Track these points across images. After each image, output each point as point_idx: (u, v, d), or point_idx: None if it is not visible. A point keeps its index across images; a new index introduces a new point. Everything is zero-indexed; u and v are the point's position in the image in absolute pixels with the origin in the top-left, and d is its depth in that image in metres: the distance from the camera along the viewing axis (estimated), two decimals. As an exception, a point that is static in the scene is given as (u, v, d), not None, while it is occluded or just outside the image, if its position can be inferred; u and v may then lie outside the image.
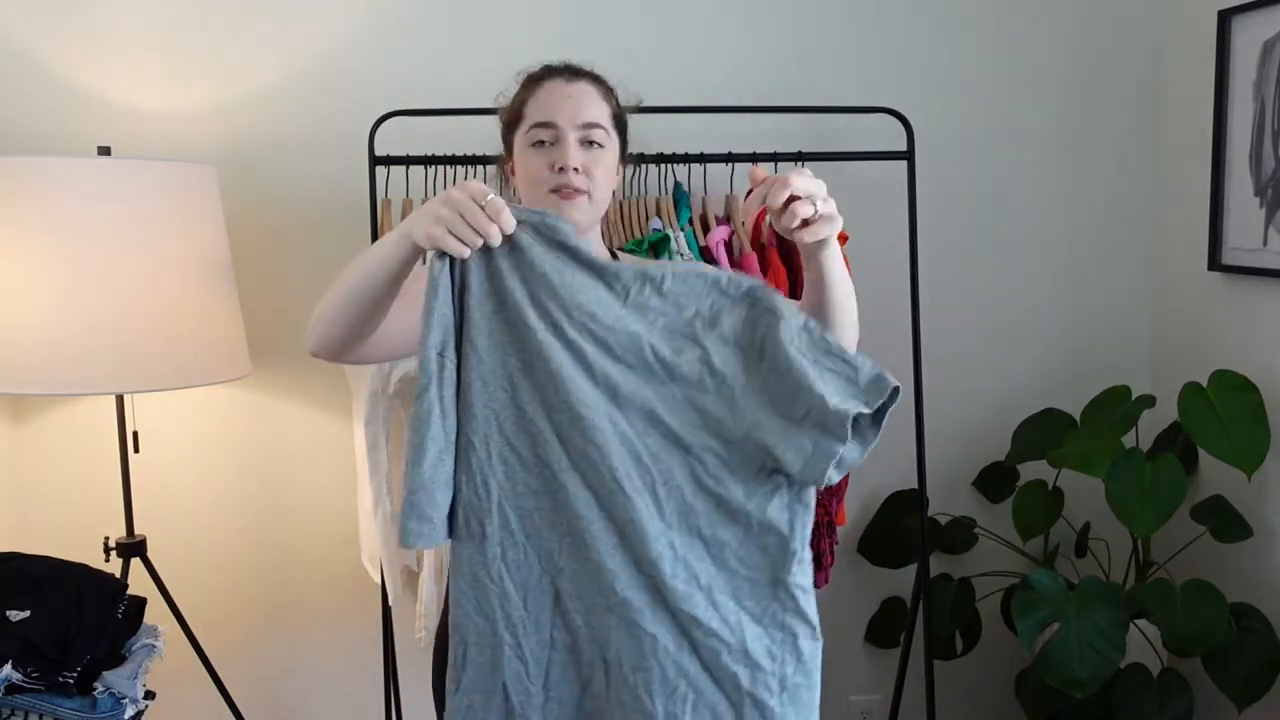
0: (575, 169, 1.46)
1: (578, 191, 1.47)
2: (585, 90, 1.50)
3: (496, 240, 1.22)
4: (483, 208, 1.20)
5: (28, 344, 1.95)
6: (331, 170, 2.40)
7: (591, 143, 1.48)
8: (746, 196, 1.30)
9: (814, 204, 1.24)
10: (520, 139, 1.51)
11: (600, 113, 1.50)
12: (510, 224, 1.22)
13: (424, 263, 1.28)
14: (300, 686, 2.57)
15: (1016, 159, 2.62)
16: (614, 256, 1.62)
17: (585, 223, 1.50)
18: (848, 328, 1.41)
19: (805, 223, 1.25)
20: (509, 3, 2.44)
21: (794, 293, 2.14)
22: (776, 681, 1.26)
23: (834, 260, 1.33)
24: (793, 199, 1.24)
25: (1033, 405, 2.60)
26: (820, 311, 1.37)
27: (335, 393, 2.41)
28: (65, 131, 2.32)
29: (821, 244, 1.29)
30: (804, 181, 1.24)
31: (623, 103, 1.58)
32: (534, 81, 1.52)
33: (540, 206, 1.47)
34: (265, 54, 2.38)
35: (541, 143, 1.48)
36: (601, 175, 1.49)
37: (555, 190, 1.46)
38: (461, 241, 1.21)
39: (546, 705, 1.28)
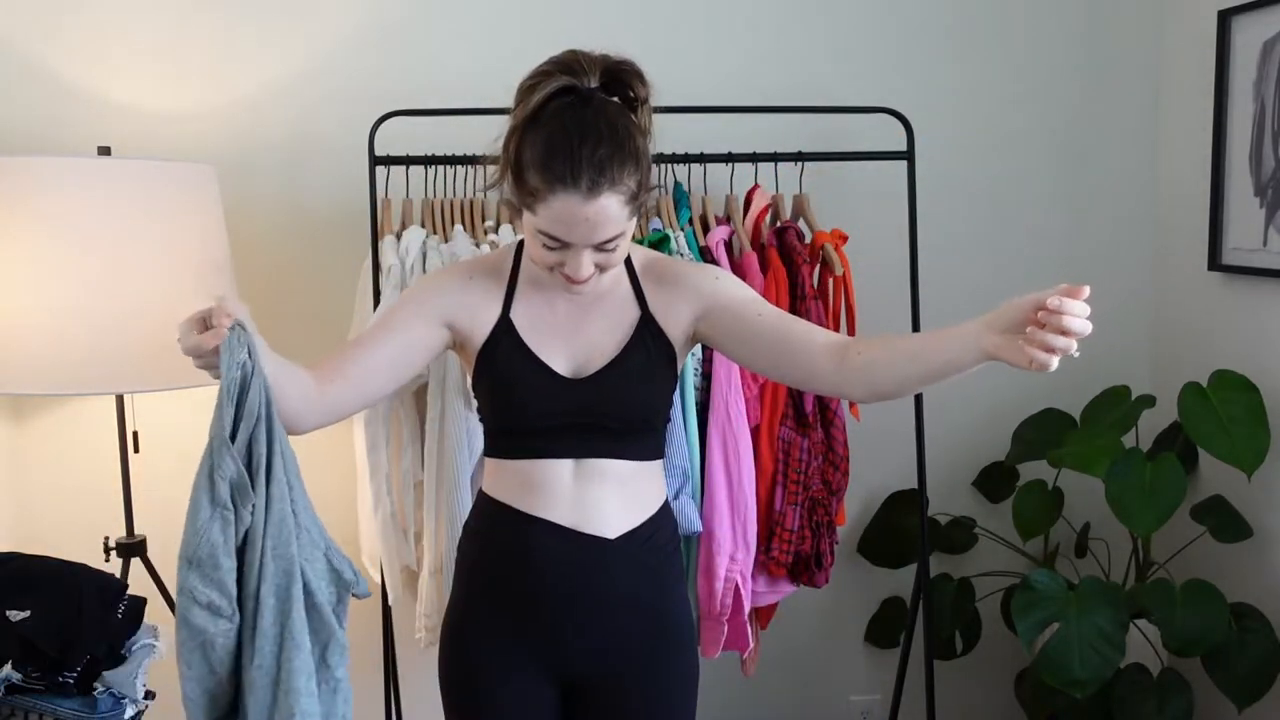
0: (589, 274, 1.41)
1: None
2: (603, 209, 1.34)
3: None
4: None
5: (28, 344, 1.95)
6: (331, 170, 2.40)
7: (606, 250, 1.40)
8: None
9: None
10: (529, 223, 1.40)
11: (618, 222, 1.37)
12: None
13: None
14: (300, 686, 2.56)
15: (1016, 159, 2.62)
16: None
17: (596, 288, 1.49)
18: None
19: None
20: (509, 3, 2.44)
21: (793, 293, 2.14)
22: None
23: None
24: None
25: (1033, 405, 2.60)
26: (921, 385, 1.45)
27: (335, 393, 2.41)
28: (65, 131, 2.32)
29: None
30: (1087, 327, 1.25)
31: (649, 127, 1.45)
32: (549, 180, 1.33)
33: (548, 281, 1.49)
34: (265, 54, 2.39)
35: (552, 247, 1.40)
36: (619, 255, 1.43)
37: (565, 278, 1.44)
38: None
39: None
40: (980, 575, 2.56)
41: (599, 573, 1.51)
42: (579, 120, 1.35)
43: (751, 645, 2.22)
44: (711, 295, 1.54)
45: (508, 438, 1.54)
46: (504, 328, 1.53)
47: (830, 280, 2.23)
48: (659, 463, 1.60)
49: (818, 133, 2.45)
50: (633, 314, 1.55)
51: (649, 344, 1.54)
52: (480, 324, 1.53)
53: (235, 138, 2.39)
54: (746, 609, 2.14)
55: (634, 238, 2.16)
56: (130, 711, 1.83)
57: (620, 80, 1.41)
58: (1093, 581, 2.23)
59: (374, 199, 2.13)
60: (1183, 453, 2.39)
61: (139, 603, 1.98)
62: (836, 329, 2.21)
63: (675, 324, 1.55)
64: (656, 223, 2.18)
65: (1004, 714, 2.72)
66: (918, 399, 2.28)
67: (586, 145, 1.33)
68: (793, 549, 2.16)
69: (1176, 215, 2.61)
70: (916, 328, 2.28)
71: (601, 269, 1.43)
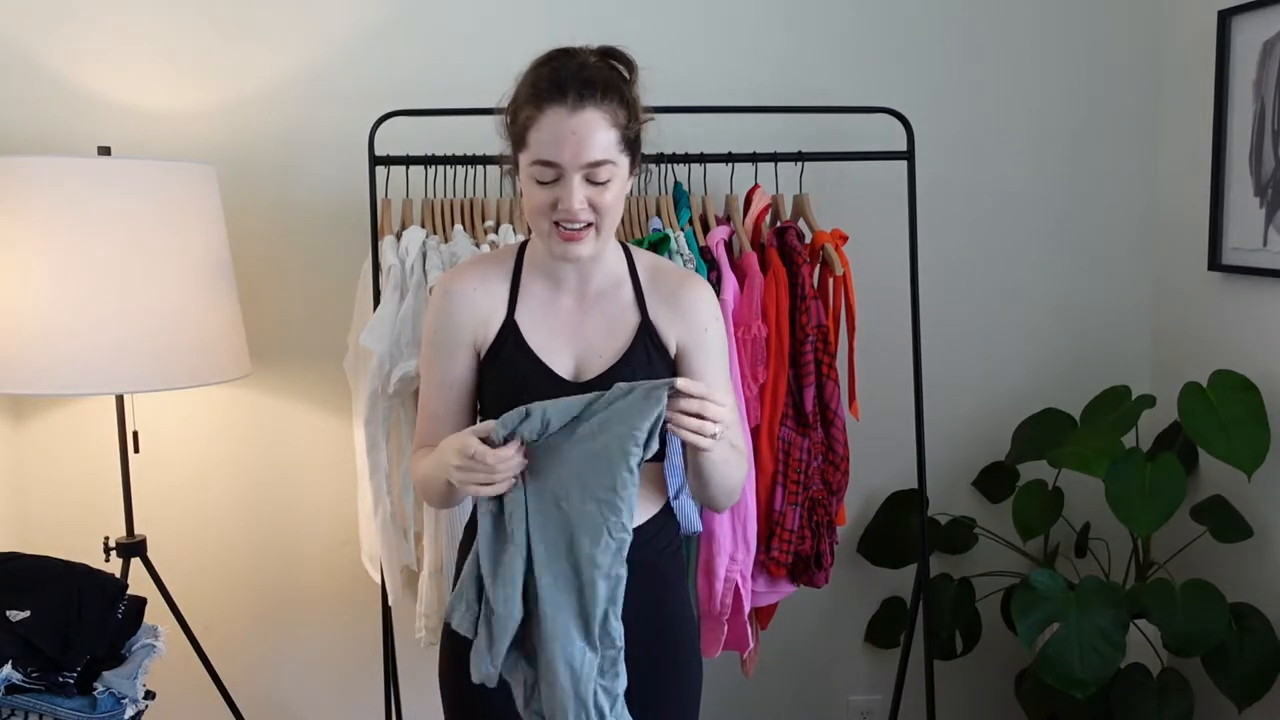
0: (580, 207, 1.43)
1: (585, 226, 1.45)
2: (590, 122, 1.41)
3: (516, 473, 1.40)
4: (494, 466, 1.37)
5: (28, 344, 1.95)
6: (331, 170, 2.40)
7: (596, 182, 1.43)
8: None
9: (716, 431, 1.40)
10: (524, 165, 1.46)
11: (606, 145, 1.43)
12: (518, 461, 1.39)
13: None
14: (300, 686, 2.57)
15: (1016, 159, 2.62)
16: (625, 251, 1.61)
17: (594, 253, 1.49)
18: (728, 494, 1.61)
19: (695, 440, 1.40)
20: (509, 2, 2.44)
21: (793, 294, 2.14)
22: None
23: (713, 461, 1.50)
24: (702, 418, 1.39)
25: (1033, 405, 2.60)
26: (705, 490, 1.58)
27: (335, 393, 2.42)
28: (65, 131, 2.32)
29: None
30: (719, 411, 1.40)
31: (639, 97, 1.51)
32: (538, 102, 1.43)
33: (544, 239, 1.49)
34: (265, 54, 2.39)
35: (544, 180, 1.44)
36: (610, 200, 1.45)
37: (558, 224, 1.45)
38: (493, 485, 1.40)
39: None
40: (980, 575, 2.56)
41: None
42: (566, 57, 1.46)
43: (751, 645, 2.22)
44: (694, 341, 1.58)
45: None
46: (509, 329, 1.54)
47: (830, 280, 2.23)
48: (658, 464, 1.60)
49: (818, 133, 2.45)
50: (633, 319, 1.55)
51: (648, 350, 1.54)
52: (490, 329, 1.54)
53: (235, 138, 2.39)
54: (746, 609, 2.14)
55: (634, 238, 2.18)
56: (130, 711, 1.83)
57: (609, 56, 1.51)
58: (1093, 581, 2.23)
59: (374, 199, 2.13)
60: (1183, 453, 2.39)
61: (139, 603, 1.98)
62: (836, 329, 2.22)
63: (669, 336, 1.57)
64: (656, 222, 2.18)
65: (1004, 714, 2.72)
66: (918, 399, 2.28)
67: (572, 66, 1.44)
68: (793, 549, 2.16)
69: (1176, 215, 2.61)
70: (917, 327, 2.29)
71: (595, 209, 1.44)
